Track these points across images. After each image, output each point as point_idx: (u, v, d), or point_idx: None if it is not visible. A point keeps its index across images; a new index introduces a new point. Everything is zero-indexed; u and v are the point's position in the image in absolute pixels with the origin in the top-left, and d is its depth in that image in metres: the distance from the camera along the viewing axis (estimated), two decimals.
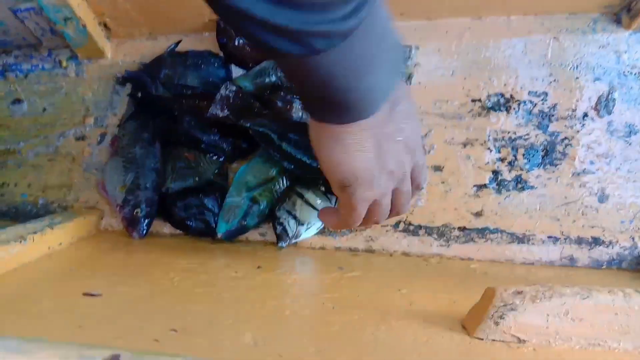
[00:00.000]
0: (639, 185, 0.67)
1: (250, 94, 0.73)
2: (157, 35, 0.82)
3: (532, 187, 0.70)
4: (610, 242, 0.67)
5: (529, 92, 0.71)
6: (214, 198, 0.74)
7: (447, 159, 0.72)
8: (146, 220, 0.73)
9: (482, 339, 0.44)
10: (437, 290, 0.56)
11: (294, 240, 0.71)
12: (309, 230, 0.71)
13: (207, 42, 0.80)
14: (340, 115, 0.40)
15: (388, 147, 0.43)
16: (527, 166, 0.70)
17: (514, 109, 0.71)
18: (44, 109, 0.85)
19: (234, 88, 0.72)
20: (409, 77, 0.73)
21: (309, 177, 0.71)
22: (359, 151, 0.42)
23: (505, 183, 0.71)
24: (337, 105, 0.38)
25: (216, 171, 0.76)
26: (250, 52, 0.76)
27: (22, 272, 0.58)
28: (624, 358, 0.41)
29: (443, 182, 0.72)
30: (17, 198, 0.84)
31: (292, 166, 0.70)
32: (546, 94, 0.70)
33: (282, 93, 0.72)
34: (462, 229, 0.71)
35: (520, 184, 0.70)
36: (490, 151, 0.71)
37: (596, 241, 0.68)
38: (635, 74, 0.68)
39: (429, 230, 0.71)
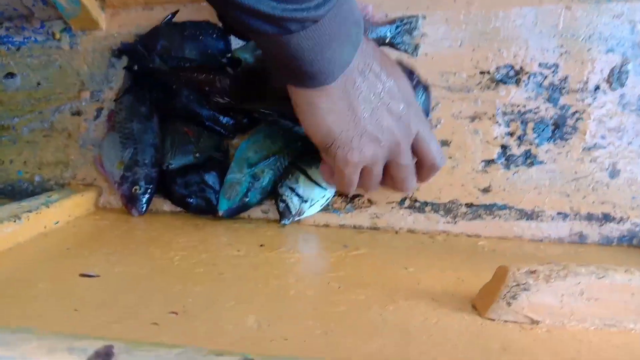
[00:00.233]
0: None
1: (249, 70, 0.70)
2: (153, 5, 0.79)
3: (541, 162, 0.68)
4: (621, 219, 0.66)
5: (540, 64, 0.68)
6: (215, 174, 0.72)
7: (454, 133, 0.70)
8: (145, 197, 0.71)
9: (494, 320, 0.42)
10: (445, 268, 0.54)
11: (297, 218, 0.69)
12: (313, 207, 0.69)
13: (205, 12, 0.76)
14: (307, 81, 0.47)
15: (364, 112, 0.50)
16: (537, 141, 0.68)
17: (524, 81, 0.69)
18: (38, 83, 0.82)
19: (228, 81, 0.70)
20: (415, 48, 0.71)
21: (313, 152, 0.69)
22: (332, 111, 0.49)
23: (514, 158, 0.69)
24: (304, 74, 0.46)
25: (217, 147, 0.73)
26: None
27: (16, 252, 0.56)
28: None
29: (450, 157, 0.70)
30: (13, 176, 0.82)
31: (299, 143, 0.69)
32: (557, 65, 0.68)
33: None
34: (470, 205, 0.69)
35: (529, 159, 0.68)
36: (499, 125, 0.69)
37: (607, 217, 0.66)
38: None
39: (435, 207, 0.70)
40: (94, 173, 0.79)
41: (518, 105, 0.69)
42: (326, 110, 0.49)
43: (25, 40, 0.83)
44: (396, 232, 0.69)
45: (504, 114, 0.69)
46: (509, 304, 0.42)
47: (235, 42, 0.76)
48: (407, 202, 0.70)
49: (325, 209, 0.71)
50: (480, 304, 0.44)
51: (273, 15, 0.39)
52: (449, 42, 0.70)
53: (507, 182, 0.69)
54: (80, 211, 0.72)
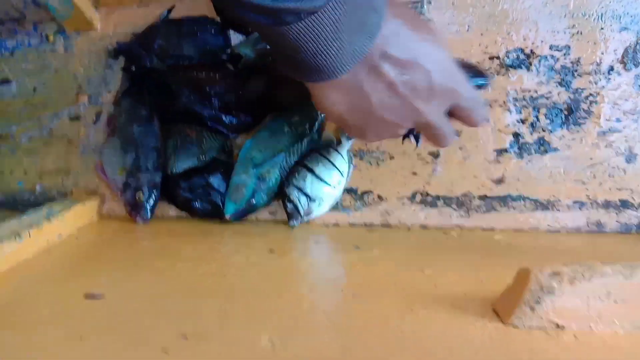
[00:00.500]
0: None
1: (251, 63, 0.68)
2: (148, 2, 0.76)
3: (555, 150, 0.66)
4: None
5: (550, 47, 0.66)
6: (220, 176, 0.70)
7: None
8: (149, 204, 0.70)
9: (518, 327, 0.40)
10: (462, 268, 0.52)
11: (306, 219, 0.68)
12: (322, 207, 0.68)
13: (202, 6, 0.74)
14: (312, 74, 0.44)
15: (381, 101, 0.47)
16: (550, 127, 0.66)
17: (535, 65, 0.66)
18: (35, 89, 0.80)
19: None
20: None
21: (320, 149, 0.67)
22: (343, 103, 0.47)
23: (527, 146, 0.66)
24: (308, 67, 0.43)
25: (220, 147, 0.71)
26: None
27: (18, 273, 0.54)
28: None
29: (461, 148, 0.68)
30: (14, 186, 0.80)
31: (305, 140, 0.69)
32: (569, 47, 0.65)
33: None
34: (483, 197, 0.67)
35: (542, 146, 0.66)
36: (511, 112, 0.67)
37: (624, 204, 0.64)
38: None
39: (447, 201, 0.68)
40: (96, 180, 0.77)
41: (529, 91, 0.66)
42: (337, 102, 0.47)
43: (19, 44, 0.81)
44: (408, 229, 0.68)
45: (515, 100, 0.67)
46: (532, 309, 0.40)
47: (235, 37, 0.73)
48: (418, 197, 0.68)
49: (335, 207, 0.70)
50: (502, 309, 0.43)
51: (265, 6, 0.37)
52: (456, 26, 0.68)
53: (520, 172, 0.66)
54: (83, 221, 0.70)
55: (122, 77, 0.77)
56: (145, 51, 0.73)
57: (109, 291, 0.48)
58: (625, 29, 0.64)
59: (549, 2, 0.65)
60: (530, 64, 0.66)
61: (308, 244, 0.63)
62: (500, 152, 0.67)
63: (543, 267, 0.40)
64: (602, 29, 0.64)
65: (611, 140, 0.65)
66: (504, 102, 0.67)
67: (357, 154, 0.70)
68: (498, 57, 0.67)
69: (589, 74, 0.65)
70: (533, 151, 0.66)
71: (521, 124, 0.67)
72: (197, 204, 0.70)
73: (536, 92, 0.66)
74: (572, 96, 0.65)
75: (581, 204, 0.65)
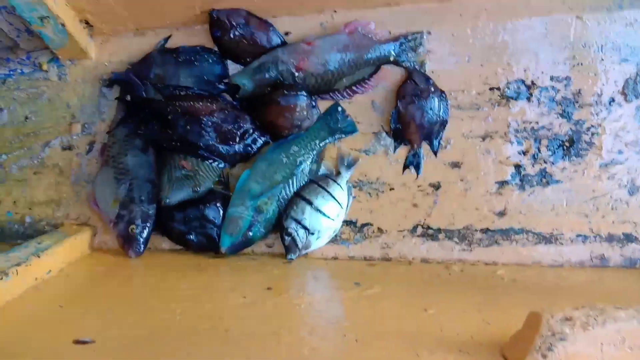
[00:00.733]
0: None
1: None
2: (144, 31, 0.75)
3: (557, 182, 0.65)
4: None
5: (551, 77, 0.66)
6: (215, 208, 0.68)
7: (465, 154, 0.67)
8: (142, 237, 0.67)
9: None
10: (467, 307, 0.51)
11: (304, 252, 0.66)
12: (320, 240, 0.66)
13: (199, 36, 0.73)
14: None
15: None
16: (552, 158, 0.65)
17: (536, 96, 0.66)
18: (26, 118, 0.78)
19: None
20: (421, 66, 0.68)
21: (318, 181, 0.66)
22: None
23: (529, 178, 0.65)
24: None
25: (216, 178, 0.70)
26: (247, 45, 0.70)
27: (3, 315, 0.51)
28: None
29: (462, 180, 0.66)
30: (2, 217, 0.78)
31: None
32: (569, 78, 0.65)
33: (284, 91, 0.66)
34: (485, 230, 0.66)
35: (544, 178, 0.65)
36: (512, 144, 0.66)
37: (628, 237, 0.63)
38: None
39: (449, 234, 0.66)
40: (88, 211, 0.75)
41: (530, 122, 0.66)
42: None
43: (11, 72, 0.79)
44: (409, 263, 0.66)
45: (517, 131, 0.66)
46: (544, 356, 0.38)
47: (233, 67, 0.72)
48: (419, 230, 0.67)
49: (333, 240, 0.68)
50: (512, 355, 0.41)
51: None
52: (456, 58, 0.67)
53: (522, 204, 0.65)
54: (74, 255, 0.68)
55: (116, 107, 0.75)
56: (141, 81, 0.71)
57: (100, 335, 0.46)
58: (626, 60, 0.64)
59: (549, 33, 0.65)
60: (531, 95, 0.66)
61: (306, 280, 0.61)
62: (502, 184, 0.66)
63: (554, 311, 0.38)
64: (602, 60, 0.64)
65: (613, 172, 0.64)
66: (505, 133, 0.66)
67: (356, 185, 0.68)
68: (499, 88, 0.66)
69: (590, 105, 0.65)
70: (535, 183, 0.65)
71: (522, 155, 0.66)
72: (192, 237, 0.68)
73: (537, 123, 0.66)
74: (573, 127, 0.65)
75: (584, 238, 0.64)
